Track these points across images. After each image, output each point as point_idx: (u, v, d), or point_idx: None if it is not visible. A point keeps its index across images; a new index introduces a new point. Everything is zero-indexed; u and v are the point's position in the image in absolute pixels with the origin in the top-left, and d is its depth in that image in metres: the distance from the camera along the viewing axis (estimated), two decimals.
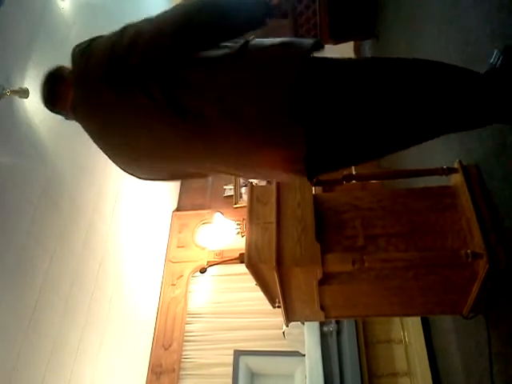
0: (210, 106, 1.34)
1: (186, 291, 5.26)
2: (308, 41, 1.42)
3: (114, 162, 1.67)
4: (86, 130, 1.57)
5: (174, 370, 4.78)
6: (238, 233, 5.36)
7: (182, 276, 5.34)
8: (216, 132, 1.37)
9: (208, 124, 1.35)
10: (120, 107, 1.42)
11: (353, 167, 4.15)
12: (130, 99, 1.38)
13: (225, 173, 1.58)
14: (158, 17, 1.39)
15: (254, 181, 5.20)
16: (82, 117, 1.54)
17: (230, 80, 1.36)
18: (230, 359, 4.54)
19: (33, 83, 2.79)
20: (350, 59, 1.57)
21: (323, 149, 1.44)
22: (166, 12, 1.40)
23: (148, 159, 1.57)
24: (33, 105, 2.82)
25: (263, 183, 5.23)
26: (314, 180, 1.94)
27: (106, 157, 1.68)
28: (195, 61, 1.37)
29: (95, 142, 1.60)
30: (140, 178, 1.74)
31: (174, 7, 1.40)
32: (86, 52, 1.46)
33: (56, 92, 1.56)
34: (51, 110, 1.62)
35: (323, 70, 1.42)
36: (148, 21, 1.39)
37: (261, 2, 1.45)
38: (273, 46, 1.41)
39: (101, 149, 1.62)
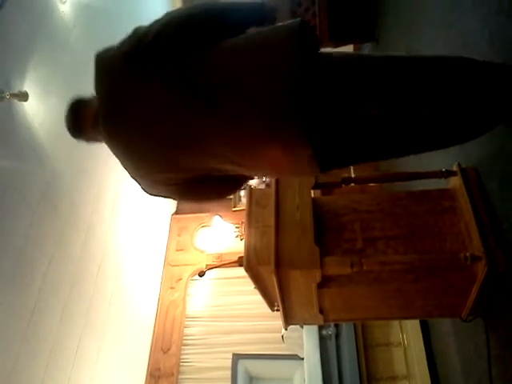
0: (218, 83, 1.42)
1: (185, 294, 5.25)
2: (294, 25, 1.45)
3: (133, 176, 1.69)
4: (111, 144, 1.61)
5: (172, 374, 4.76)
6: (237, 236, 5.36)
7: (180, 279, 5.33)
8: (225, 110, 1.42)
9: (218, 104, 1.41)
10: (139, 92, 1.50)
11: (352, 170, 4.16)
12: (147, 82, 1.48)
13: (236, 164, 1.55)
14: (168, 15, 1.53)
15: (253, 183, 5.21)
16: (106, 125, 1.57)
17: (235, 63, 1.44)
18: (229, 363, 4.54)
19: (32, 86, 2.80)
20: (351, 54, 1.57)
21: (328, 144, 1.47)
22: (174, 11, 1.56)
23: (163, 158, 1.57)
24: (32, 108, 2.82)
25: (262, 186, 5.24)
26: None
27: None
28: (204, 50, 1.47)
29: (119, 156, 1.63)
30: (155, 195, 1.77)
31: (181, 8, 1.56)
32: (108, 50, 1.58)
33: (80, 115, 1.66)
34: (74, 134, 1.70)
35: (323, 64, 1.45)
36: (158, 20, 1.52)
37: (258, 5, 1.58)
38: (270, 36, 1.47)
39: (123, 163, 1.65)
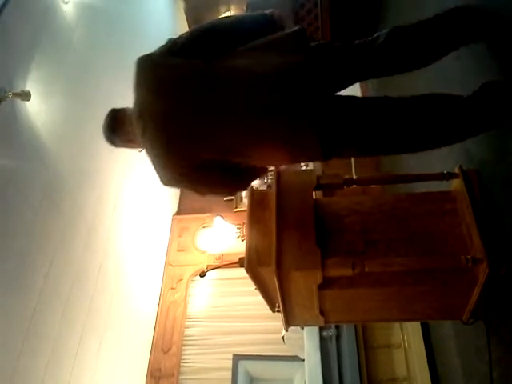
0: (238, 78, 1.71)
1: (186, 295, 5.25)
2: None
3: (157, 168, 1.85)
4: (143, 134, 1.80)
5: (173, 375, 4.76)
6: (238, 237, 5.37)
7: (181, 280, 5.34)
8: (242, 99, 1.69)
9: (237, 96, 1.70)
10: (172, 78, 1.77)
11: (353, 172, 4.15)
12: (179, 67, 1.78)
13: (247, 155, 1.76)
14: (195, 28, 1.87)
15: (255, 184, 5.20)
16: (141, 111, 1.80)
17: (251, 61, 1.74)
18: (229, 364, 4.53)
19: (35, 86, 2.80)
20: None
21: (330, 130, 1.69)
22: (200, 25, 1.88)
23: (189, 137, 1.76)
24: (34, 107, 2.83)
25: (263, 187, 5.24)
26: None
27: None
28: (224, 52, 1.79)
29: (149, 144, 1.80)
30: (174, 186, 2.00)
31: (205, 22, 1.89)
32: (147, 55, 1.85)
33: (117, 116, 1.94)
34: (110, 134, 1.96)
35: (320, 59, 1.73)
36: (187, 32, 1.88)
37: (263, 14, 1.86)
38: (281, 39, 1.78)
39: (151, 154, 1.82)
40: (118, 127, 1.93)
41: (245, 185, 2.00)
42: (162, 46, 1.85)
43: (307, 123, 1.65)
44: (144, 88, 1.81)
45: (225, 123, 1.71)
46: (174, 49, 1.81)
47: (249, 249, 1.95)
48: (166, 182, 1.89)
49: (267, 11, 1.86)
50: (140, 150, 1.94)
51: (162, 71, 1.79)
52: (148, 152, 1.84)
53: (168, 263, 5.45)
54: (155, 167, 1.85)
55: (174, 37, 1.87)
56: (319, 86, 1.68)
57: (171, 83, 1.76)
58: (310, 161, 2.02)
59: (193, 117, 1.74)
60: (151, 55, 1.84)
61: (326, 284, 1.93)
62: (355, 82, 1.87)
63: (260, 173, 2.05)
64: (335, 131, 1.70)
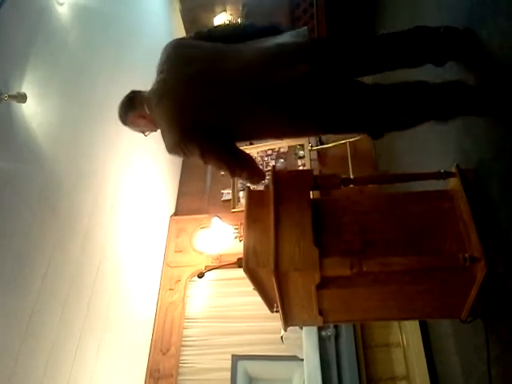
0: (249, 62, 1.97)
1: (184, 296, 5.24)
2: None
3: (167, 133, 2.02)
4: (160, 101, 1.99)
5: (172, 375, 4.76)
6: (236, 237, 5.36)
7: (179, 280, 5.32)
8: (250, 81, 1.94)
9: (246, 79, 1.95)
10: (199, 53, 2.05)
11: (351, 171, 4.16)
12: (206, 47, 2.08)
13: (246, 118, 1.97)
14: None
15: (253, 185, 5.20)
16: (160, 83, 2.03)
17: (262, 51, 2.00)
18: (228, 364, 4.53)
19: (30, 88, 2.79)
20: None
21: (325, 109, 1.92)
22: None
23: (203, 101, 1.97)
24: (30, 109, 2.82)
25: (261, 187, 5.24)
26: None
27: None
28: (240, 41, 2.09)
29: (164, 111, 1.99)
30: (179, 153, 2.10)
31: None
32: (178, 38, 2.18)
33: (134, 95, 2.13)
34: (126, 109, 2.12)
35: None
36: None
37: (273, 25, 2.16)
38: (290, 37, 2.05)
39: (163, 119, 2.01)
40: (133, 103, 2.11)
41: (241, 165, 2.09)
42: (190, 35, 2.22)
43: (305, 114, 1.91)
44: (170, 62, 2.05)
45: (231, 95, 1.93)
46: (200, 35, 2.16)
47: (247, 249, 1.94)
48: (171, 148, 2.01)
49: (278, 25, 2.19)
50: (146, 133, 2.17)
51: (189, 48, 2.07)
52: (159, 119, 2.02)
53: (166, 264, 5.44)
54: (163, 134, 2.03)
55: (173, 38, 2.15)
56: (320, 66, 1.90)
57: (195, 57, 2.02)
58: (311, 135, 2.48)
59: (205, 88, 1.95)
60: (180, 38, 2.18)
61: (324, 284, 1.93)
62: (352, 75, 2.07)
63: (255, 167, 2.18)
64: (331, 115, 1.93)
